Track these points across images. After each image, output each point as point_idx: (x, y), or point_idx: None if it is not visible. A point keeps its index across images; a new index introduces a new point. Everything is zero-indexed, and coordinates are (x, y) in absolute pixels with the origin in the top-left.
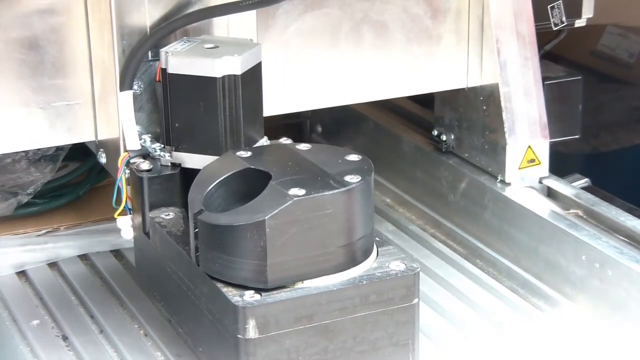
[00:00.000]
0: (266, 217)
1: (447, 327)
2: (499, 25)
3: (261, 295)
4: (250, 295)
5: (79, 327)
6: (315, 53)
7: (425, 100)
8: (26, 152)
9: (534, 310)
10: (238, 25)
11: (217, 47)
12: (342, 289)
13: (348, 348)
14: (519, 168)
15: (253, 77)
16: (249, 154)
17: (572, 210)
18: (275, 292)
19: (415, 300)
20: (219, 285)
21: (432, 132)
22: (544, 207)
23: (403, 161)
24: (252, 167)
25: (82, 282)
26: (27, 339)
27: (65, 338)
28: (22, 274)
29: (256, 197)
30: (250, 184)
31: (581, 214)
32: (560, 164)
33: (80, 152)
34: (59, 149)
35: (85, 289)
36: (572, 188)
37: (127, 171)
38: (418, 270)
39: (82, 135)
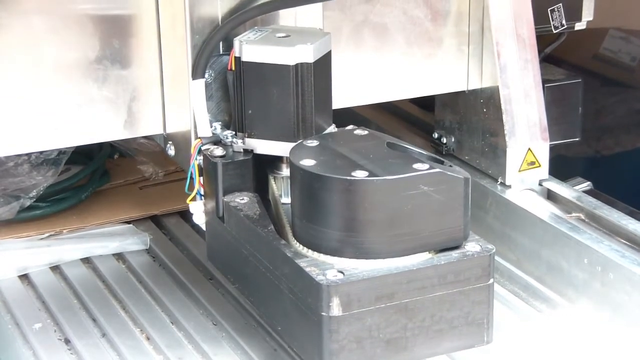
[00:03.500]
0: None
1: None
2: (499, 28)
3: (344, 274)
4: (333, 274)
5: (81, 331)
6: None
7: (428, 104)
8: (28, 155)
9: (535, 313)
10: (305, 16)
11: (289, 36)
12: (421, 269)
13: (426, 326)
14: (519, 170)
15: (324, 65)
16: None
17: (574, 214)
18: (357, 271)
19: (491, 281)
20: (302, 264)
21: (433, 135)
22: (546, 211)
23: None
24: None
25: (85, 285)
26: (29, 342)
27: (67, 341)
28: (24, 277)
29: None
30: None
31: (583, 217)
32: (562, 167)
33: (82, 156)
34: (61, 152)
35: (88, 292)
36: (572, 190)
37: (199, 158)
38: (493, 251)
39: (151, 128)
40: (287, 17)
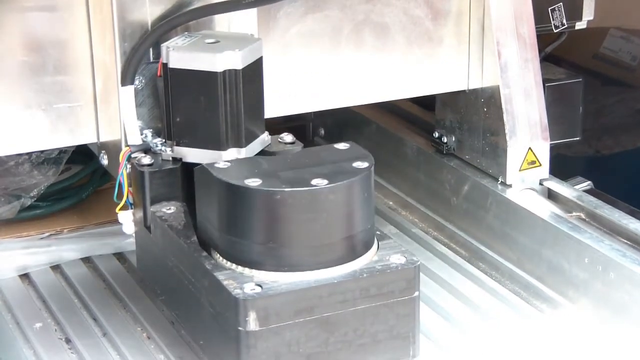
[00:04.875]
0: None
1: (450, 330)
2: (500, 28)
3: (262, 287)
4: (250, 288)
5: (82, 330)
6: (316, 55)
7: (428, 103)
8: (29, 155)
9: (536, 312)
10: (239, 22)
11: (218, 42)
12: (342, 282)
13: (348, 341)
14: (520, 170)
15: (254, 72)
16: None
17: (574, 213)
18: (276, 284)
19: (416, 293)
20: (220, 277)
21: (433, 134)
22: (546, 210)
23: (405, 164)
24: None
25: (85, 284)
26: (30, 341)
27: (68, 341)
28: (25, 276)
29: None
30: None
31: (584, 217)
32: (563, 167)
33: (83, 155)
34: (62, 151)
35: (88, 291)
36: (572, 190)
37: (129, 166)
38: (418, 263)
39: (84, 136)
40: (221, 23)
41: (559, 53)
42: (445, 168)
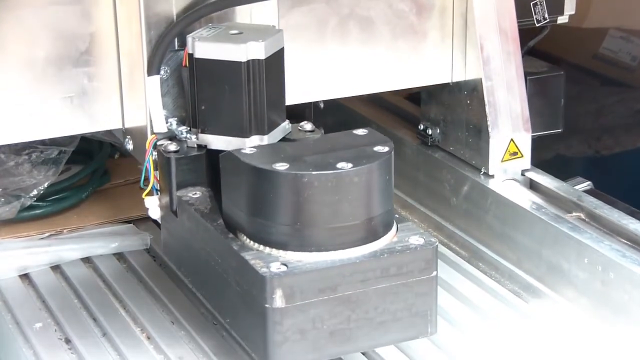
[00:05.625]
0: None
1: (449, 330)
2: (483, 22)
3: (287, 266)
4: (277, 267)
5: (82, 330)
6: (301, 48)
7: (417, 97)
8: (29, 155)
9: (536, 312)
10: (260, 14)
11: (242, 33)
12: (364, 262)
13: (370, 318)
14: (502, 161)
15: (276, 61)
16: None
17: (574, 213)
18: (301, 263)
19: (434, 273)
20: (248, 257)
21: (419, 127)
22: (546, 210)
23: (405, 164)
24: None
25: (85, 285)
26: (29, 341)
27: (67, 341)
28: (25, 277)
29: None
30: None
31: (583, 217)
32: (563, 167)
33: (83, 155)
34: (61, 151)
35: (88, 291)
36: (554, 180)
37: (155, 153)
38: (436, 244)
39: (110, 123)
40: (243, 14)
41: (557, 52)
42: (445, 168)
